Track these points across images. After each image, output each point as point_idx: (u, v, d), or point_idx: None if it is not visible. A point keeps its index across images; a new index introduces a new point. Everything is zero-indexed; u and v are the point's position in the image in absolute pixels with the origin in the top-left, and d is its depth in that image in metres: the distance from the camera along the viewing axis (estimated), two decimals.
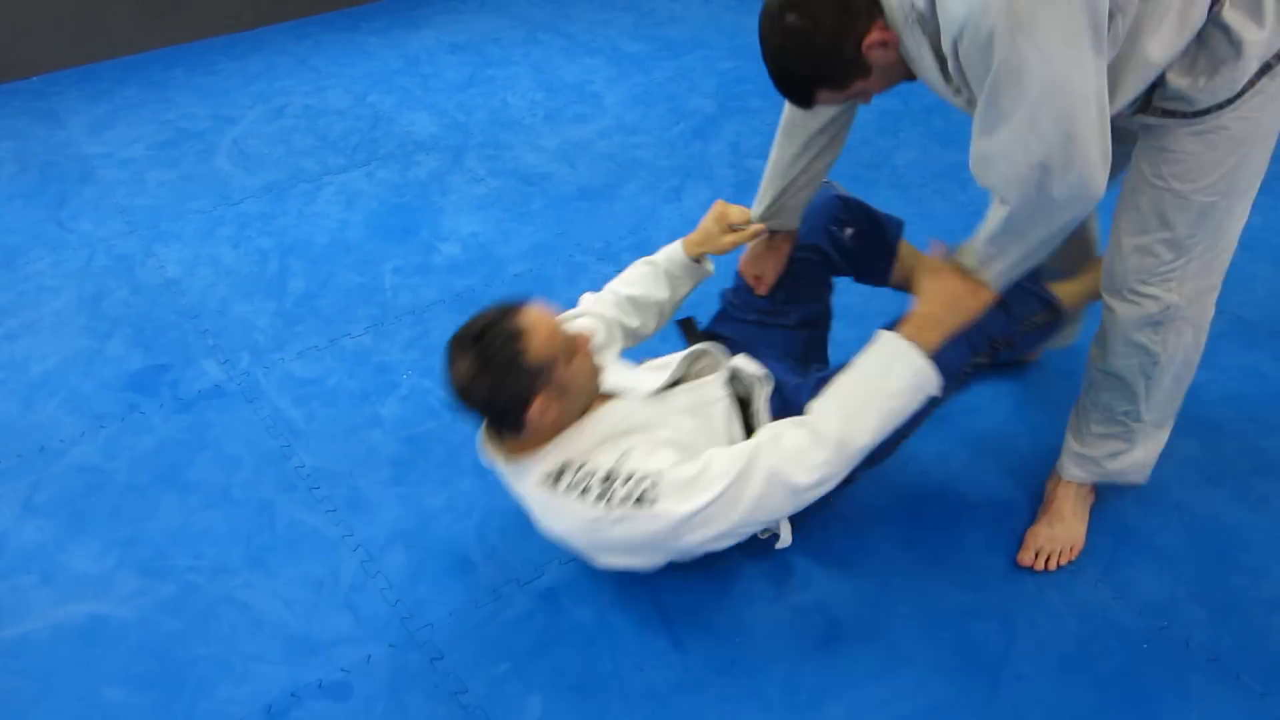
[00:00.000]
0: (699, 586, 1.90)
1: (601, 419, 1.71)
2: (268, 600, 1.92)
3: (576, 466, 1.65)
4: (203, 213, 3.23)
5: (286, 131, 3.74)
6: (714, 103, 3.79)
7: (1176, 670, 1.72)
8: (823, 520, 2.00)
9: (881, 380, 1.63)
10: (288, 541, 2.04)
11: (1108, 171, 1.42)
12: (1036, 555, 1.90)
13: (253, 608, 1.91)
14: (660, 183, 3.27)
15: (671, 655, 1.78)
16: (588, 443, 1.69)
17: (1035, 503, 1.99)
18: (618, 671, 1.76)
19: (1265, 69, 1.46)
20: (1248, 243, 2.71)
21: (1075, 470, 1.93)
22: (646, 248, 2.90)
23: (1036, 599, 1.84)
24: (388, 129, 3.73)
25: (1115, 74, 1.43)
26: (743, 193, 3.17)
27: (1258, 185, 1.62)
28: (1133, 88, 1.47)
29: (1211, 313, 1.74)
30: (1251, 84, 1.47)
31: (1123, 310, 1.72)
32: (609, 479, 1.62)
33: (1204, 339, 1.77)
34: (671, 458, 1.64)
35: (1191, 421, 2.16)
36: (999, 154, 1.44)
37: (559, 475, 1.66)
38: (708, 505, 1.57)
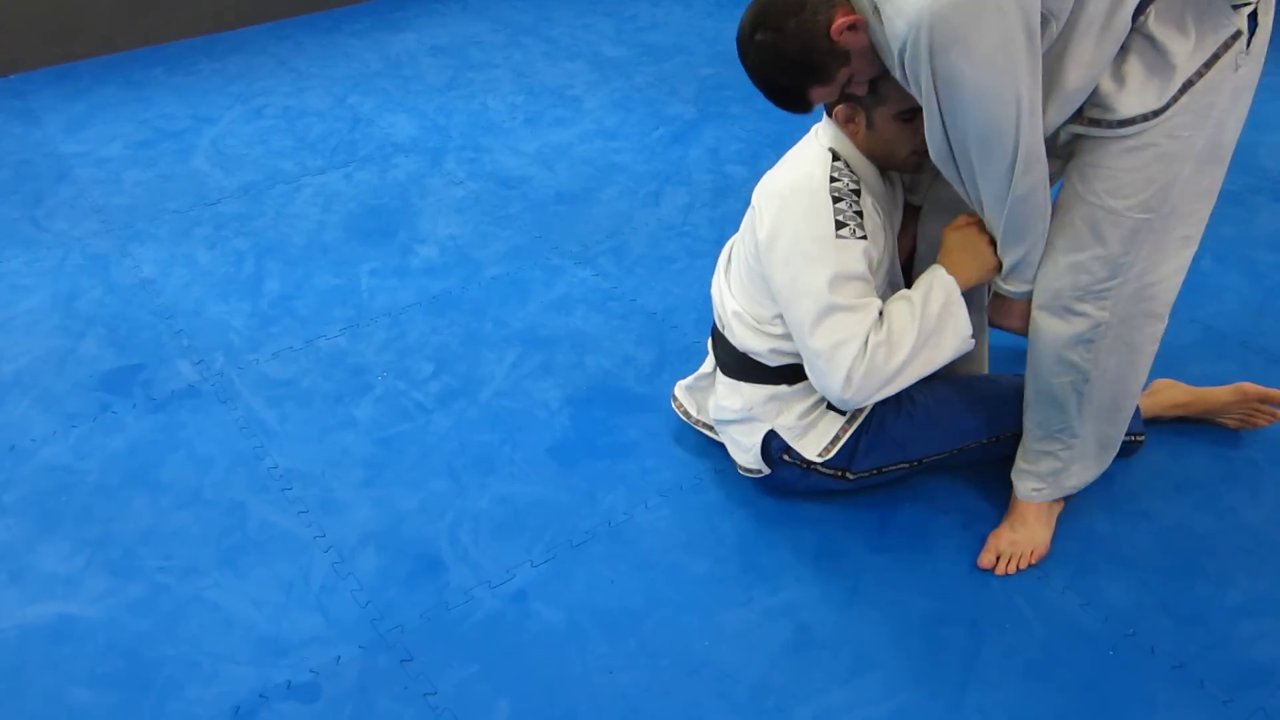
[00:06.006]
0: (669, 589, 1.90)
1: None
2: (237, 601, 1.92)
3: (848, 168, 1.78)
4: (179, 213, 3.22)
5: (265, 132, 3.74)
6: (694, 108, 3.81)
7: (1141, 677, 1.73)
8: (793, 524, 2.02)
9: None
10: (259, 542, 2.04)
11: (1043, 158, 1.54)
12: (998, 558, 1.91)
13: (222, 608, 1.91)
14: (639, 187, 3.28)
15: (641, 658, 1.79)
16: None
17: (1004, 509, 2.00)
18: (587, 674, 1.76)
19: (1188, 84, 1.49)
20: (1219, 253, 2.76)
21: (1020, 487, 1.94)
22: (624, 252, 2.93)
23: (1004, 605, 1.86)
24: (367, 131, 3.73)
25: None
26: (721, 198, 3.20)
27: (1198, 212, 1.63)
28: (1056, 113, 1.54)
29: (1154, 345, 1.75)
30: (1176, 99, 1.50)
31: (1053, 326, 1.73)
32: (857, 203, 1.75)
33: (1144, 368, 1.78)
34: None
35: (1160, 431, 2.19)
36: (949, 152, 1.55)
37: (835, 158, 1.78)
38: (834, 305, 1.71)
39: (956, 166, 1.58)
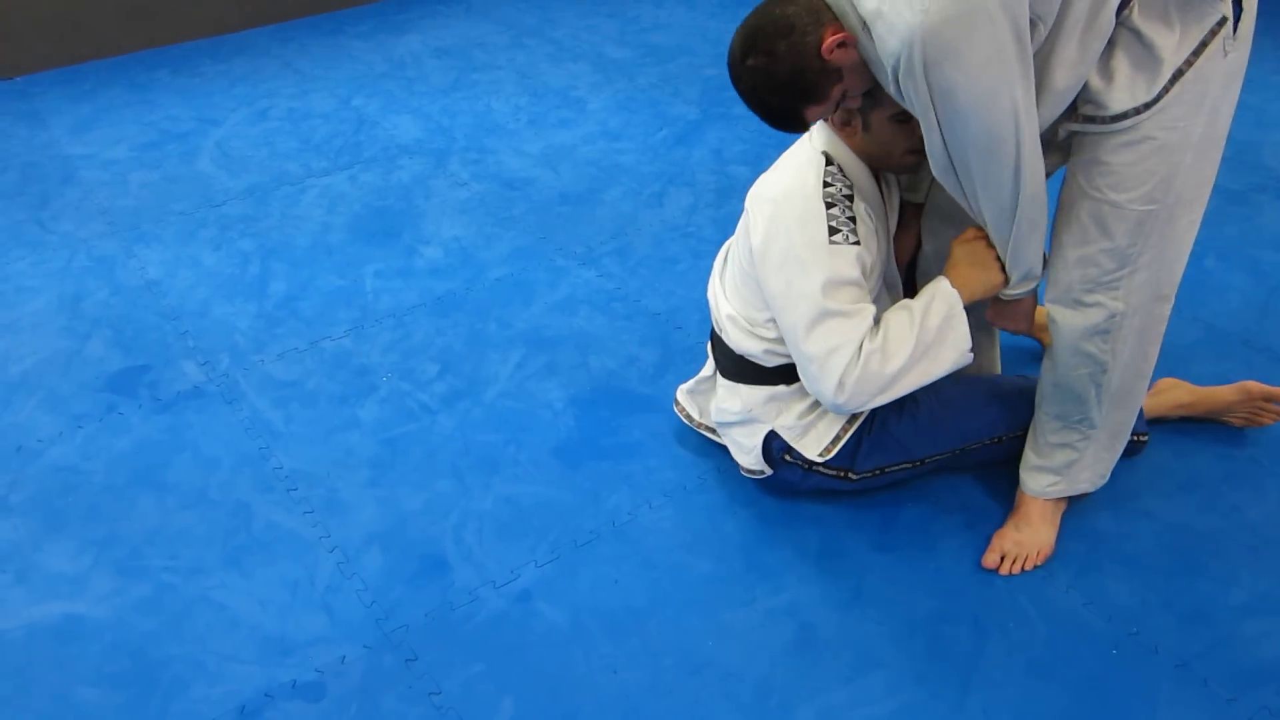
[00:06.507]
0: (672, 589, 1.91)
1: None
2: (243, 601, 1.93)
3: (841, 173, 1.77)
4: (185, 214, 3.23)
5: (270, 134, 3.75)
6: (697, 109, 3.81)
7: (1145, 676, 1.73)
8: (796, 523, 2.02)
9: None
10: (264, 542, 2.05)
11: (1041, 161, 1.55)
12: (1002, 559, 1.91)
13: (228, 608, 1.91)
14: (643, 188, 3.28)
15: (645, 657, 1.79)
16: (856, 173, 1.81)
17: (1008, 509, 2.01)
18: (591, 673, 1.77)
19: (1177, 74, 1.50)
20: (1222, 252, 2.76)
21: (1033, 483, 1.94)
22: (628, 253, 2.93)
23: (1007, 604, 1.86)
24: (371, 132, 3.74)
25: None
26: (725, 198, 3.20)
27: (1202, 197, 1.64)
28: (1046, 114, 1.54)
29: (1163, 325, 1.76)
30: (1167, 89, 1.51)
31: (1069, 319, 1.73)
32: (850, 209, 1.74)
33: (1154, 350, 1.79)
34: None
35: (1164, 430, 2.19)
36: (950, 164, 1.56)
37: (829, 162, 1.78)
38: (827, 311, 1.71)
39: (959, 180, 1.59)
